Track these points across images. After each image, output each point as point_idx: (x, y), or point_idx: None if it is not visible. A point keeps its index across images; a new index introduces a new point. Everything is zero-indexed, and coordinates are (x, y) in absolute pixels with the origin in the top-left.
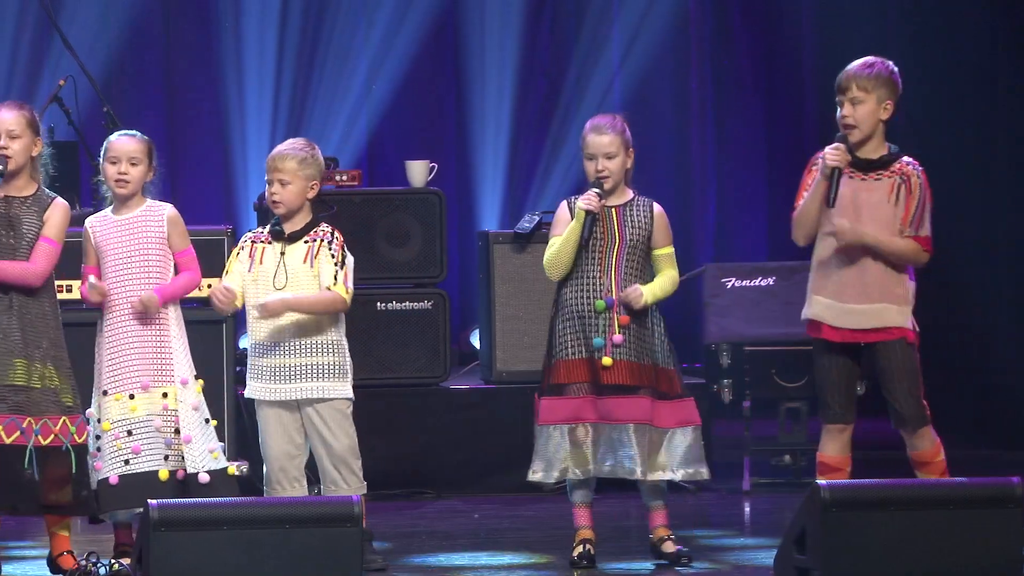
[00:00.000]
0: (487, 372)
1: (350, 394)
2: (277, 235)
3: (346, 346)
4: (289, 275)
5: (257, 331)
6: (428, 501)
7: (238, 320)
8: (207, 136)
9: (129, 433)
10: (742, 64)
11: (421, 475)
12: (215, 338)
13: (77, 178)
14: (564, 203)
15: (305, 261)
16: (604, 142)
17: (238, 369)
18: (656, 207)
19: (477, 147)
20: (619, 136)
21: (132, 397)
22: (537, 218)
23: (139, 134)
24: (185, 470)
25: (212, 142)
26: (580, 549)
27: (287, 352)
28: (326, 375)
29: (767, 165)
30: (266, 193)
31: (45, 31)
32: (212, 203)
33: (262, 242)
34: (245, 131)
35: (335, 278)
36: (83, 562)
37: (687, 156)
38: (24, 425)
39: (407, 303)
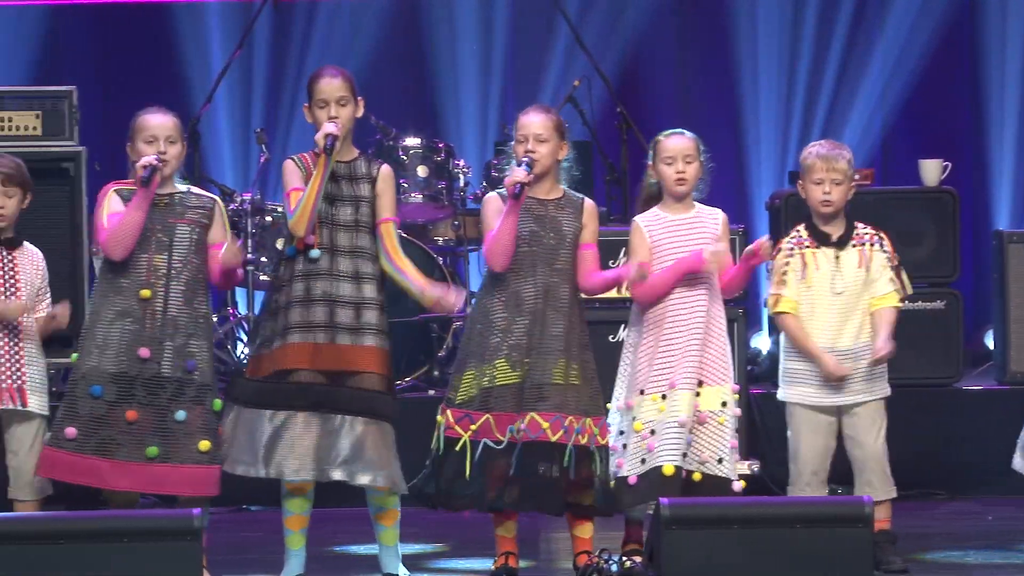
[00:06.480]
0: (1001, 373)
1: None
2: (824, 239)
3: None
4: (846, 281)
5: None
6: (941, 502)
7: (749, 320)
8: (718, 135)
9: (653, 432)
10: None
11: (933, 476)
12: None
13: (590, 178)
14: None
15: (860, 266)
16: None
17: (749, 368)
18: None
19: (992, 145)
20: None
21: (664, 397)
22: None
23: (687, 132)
24: (689, 472)
25: (724, 141)
26: None
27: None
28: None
29: None
30: (818, 193)
31: (560, 32)
32: (724, 203)
33: (807, 247)
34: (759, 131)
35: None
36: (595, 559)
37: None
38: (566, 424)
39: (920, 303)
